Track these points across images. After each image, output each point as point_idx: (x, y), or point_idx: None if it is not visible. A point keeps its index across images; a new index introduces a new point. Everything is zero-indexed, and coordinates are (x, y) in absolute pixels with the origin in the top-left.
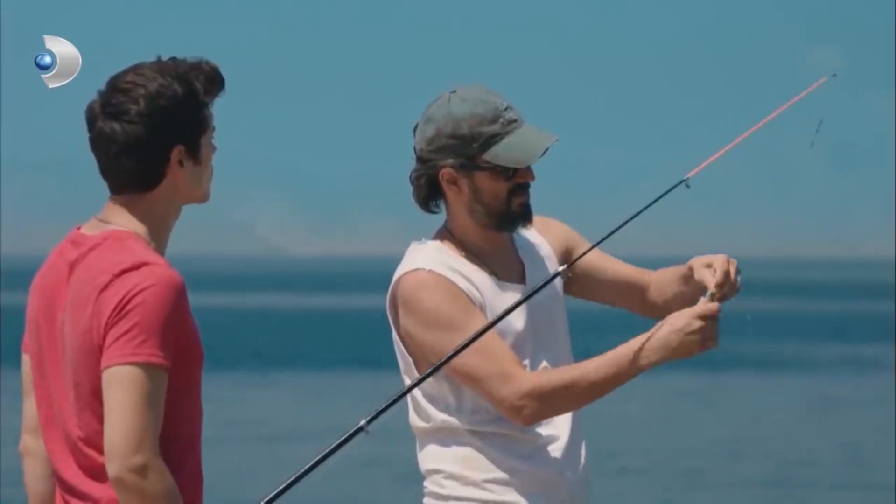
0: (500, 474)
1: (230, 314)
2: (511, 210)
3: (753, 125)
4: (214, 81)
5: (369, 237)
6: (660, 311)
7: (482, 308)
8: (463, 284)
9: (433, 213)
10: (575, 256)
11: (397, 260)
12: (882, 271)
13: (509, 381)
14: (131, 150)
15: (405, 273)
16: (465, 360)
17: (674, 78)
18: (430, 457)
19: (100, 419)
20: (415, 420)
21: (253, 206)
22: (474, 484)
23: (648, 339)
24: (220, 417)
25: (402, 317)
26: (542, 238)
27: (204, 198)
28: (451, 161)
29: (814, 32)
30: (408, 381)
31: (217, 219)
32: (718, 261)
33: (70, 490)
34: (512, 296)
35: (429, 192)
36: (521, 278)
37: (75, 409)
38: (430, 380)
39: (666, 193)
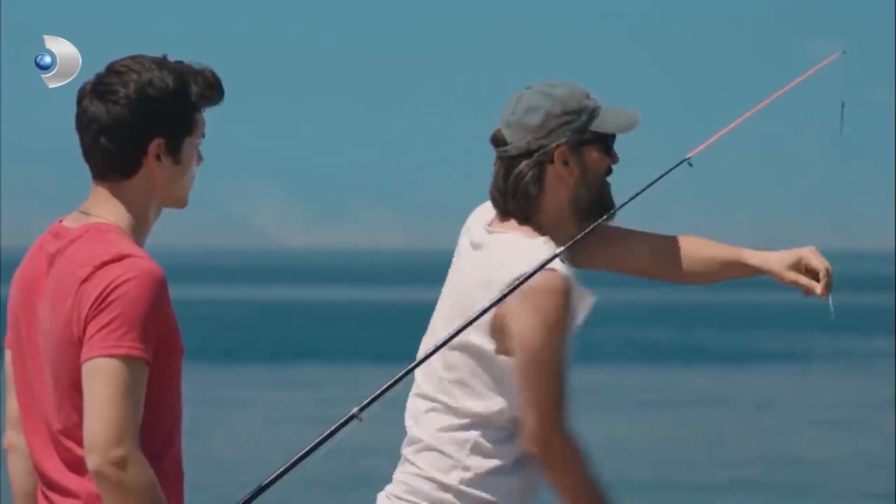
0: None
1: (227, 306)
2: (605, 192)
3: (754, 115)
4: (212, 88)
5: (367, 229)
6: (677, 279)
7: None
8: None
9: (525, 216)
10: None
11: (396, 252)
12: (882, 263)
13: (551, 422)
14: (111, 131)
15: (543, 273)
16: (536, 380)
17: (672, 67)
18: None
19: (79, 412)
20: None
21: (250, 197)
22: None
23: None
24: (215, 409)
25: (523, 311)
26: None
27: (181, 202)
28: (564, 139)
29: (814, 24)
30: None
31: (213, 210)
32: (815, 263)
33: (50, 484)
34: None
35: (538, 183)
36: None
37: (55, 402)
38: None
39: (668, 172)
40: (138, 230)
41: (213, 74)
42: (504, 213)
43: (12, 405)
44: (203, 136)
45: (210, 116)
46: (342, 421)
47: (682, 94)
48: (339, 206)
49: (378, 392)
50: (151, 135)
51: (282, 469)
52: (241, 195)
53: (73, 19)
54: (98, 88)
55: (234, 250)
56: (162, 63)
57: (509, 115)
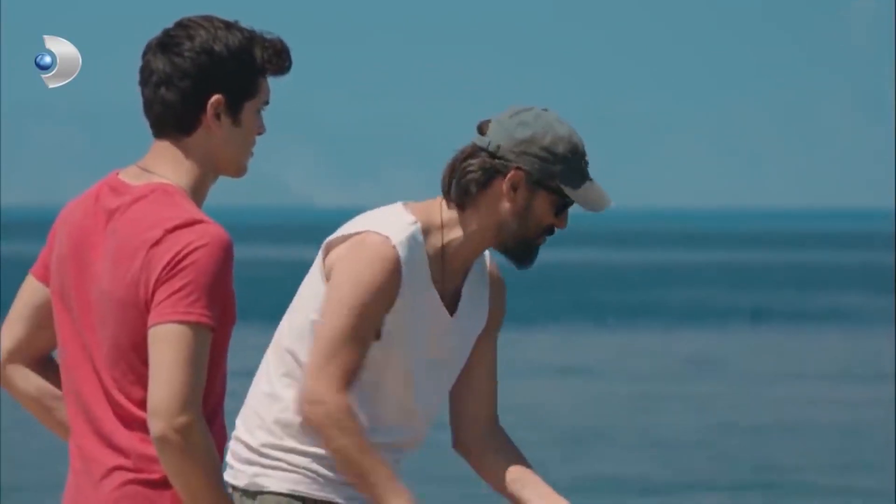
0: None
1: (257, 266)
2: (534, 244)
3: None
4: (280, 56)
5: (396, 189)
6: (465, 457)
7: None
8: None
9: (460, 205)
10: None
11: None
12: None
13: (320, 380)
14: (171, 82)
15: (375, 234)
16: (325, 326)
17: (708, 26)
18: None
19: (135, 371)
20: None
21: (280, 157)
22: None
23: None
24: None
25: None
26: (488, 295)
27: (238, 167)
28: (528, 168)
29: None
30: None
31: None
32: None
33: (100, 432)
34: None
35: (480, 186)
36: (450, 306)
37: (111, 358)
38: (298, 343)
39: None
40: (197, 193)
41: (283, 43)
42: (445, 191)
43: (15, 330)
44: (266, 102)
45: None
46: None
47: (714, 49)
48: (369, 166)
49: None
50: (211, 90)
51: None
52: (272, 155)
53: (73, 19)
54: (164, 41)
55: (264, 210)
56: (231, 24)
57: (504, 116)
